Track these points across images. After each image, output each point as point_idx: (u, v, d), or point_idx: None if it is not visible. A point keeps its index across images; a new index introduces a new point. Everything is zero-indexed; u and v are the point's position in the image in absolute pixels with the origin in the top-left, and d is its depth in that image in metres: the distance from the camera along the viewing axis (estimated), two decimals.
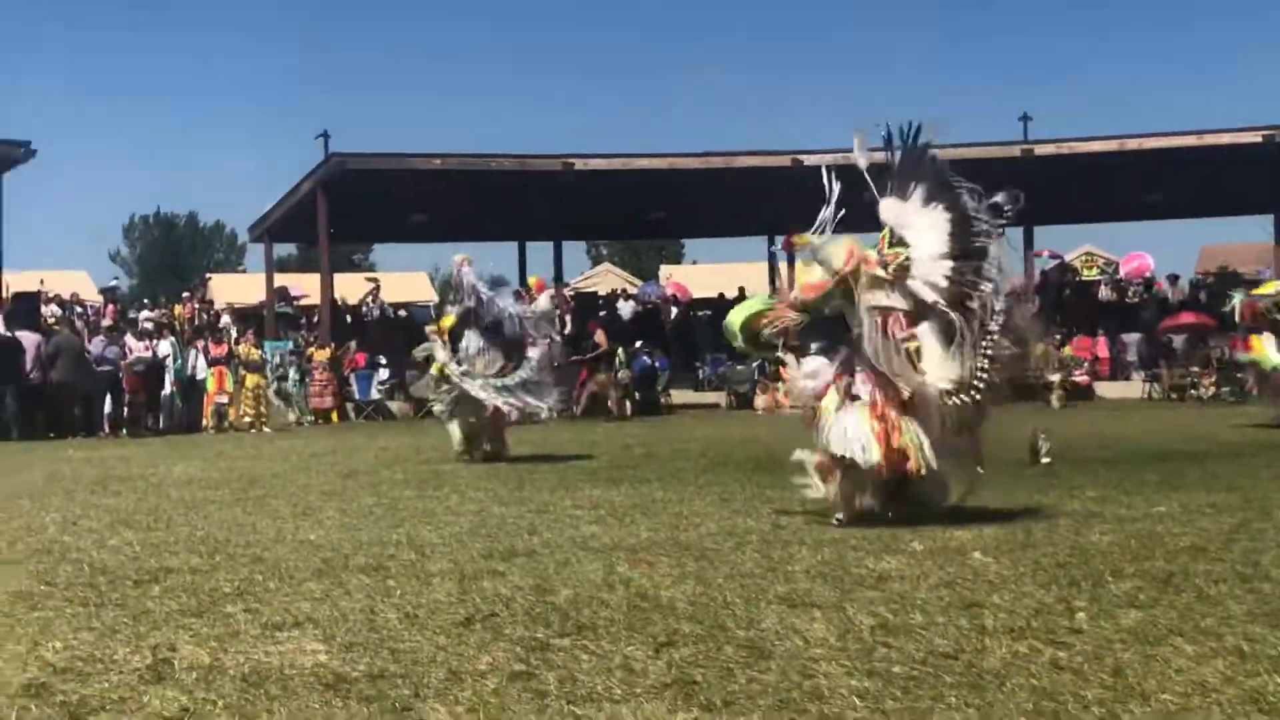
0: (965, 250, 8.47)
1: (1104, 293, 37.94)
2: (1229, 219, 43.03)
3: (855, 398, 8.24)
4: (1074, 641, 4.91)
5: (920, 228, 8.60)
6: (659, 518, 8.89)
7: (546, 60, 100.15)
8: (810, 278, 8.69)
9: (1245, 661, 4.54)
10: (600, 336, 28.51)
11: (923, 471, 8.10)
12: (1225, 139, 29.96)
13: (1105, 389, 30.19)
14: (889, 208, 8.72)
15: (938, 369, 8.22)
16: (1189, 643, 4.83)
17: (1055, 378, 28.31)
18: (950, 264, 8.43)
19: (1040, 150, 30.77)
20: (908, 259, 8.44)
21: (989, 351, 8.24)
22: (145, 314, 32.95)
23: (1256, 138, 29.28)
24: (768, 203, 30.45)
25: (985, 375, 8.21)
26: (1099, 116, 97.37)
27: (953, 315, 8.24)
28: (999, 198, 8.80)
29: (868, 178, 8.75)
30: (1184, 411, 24.01)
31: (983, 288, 8.35)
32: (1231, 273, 36.65)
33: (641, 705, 4.15)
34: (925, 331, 8.32)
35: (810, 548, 7.30)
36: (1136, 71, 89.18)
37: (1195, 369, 28.96)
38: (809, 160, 29.37)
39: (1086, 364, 30.29)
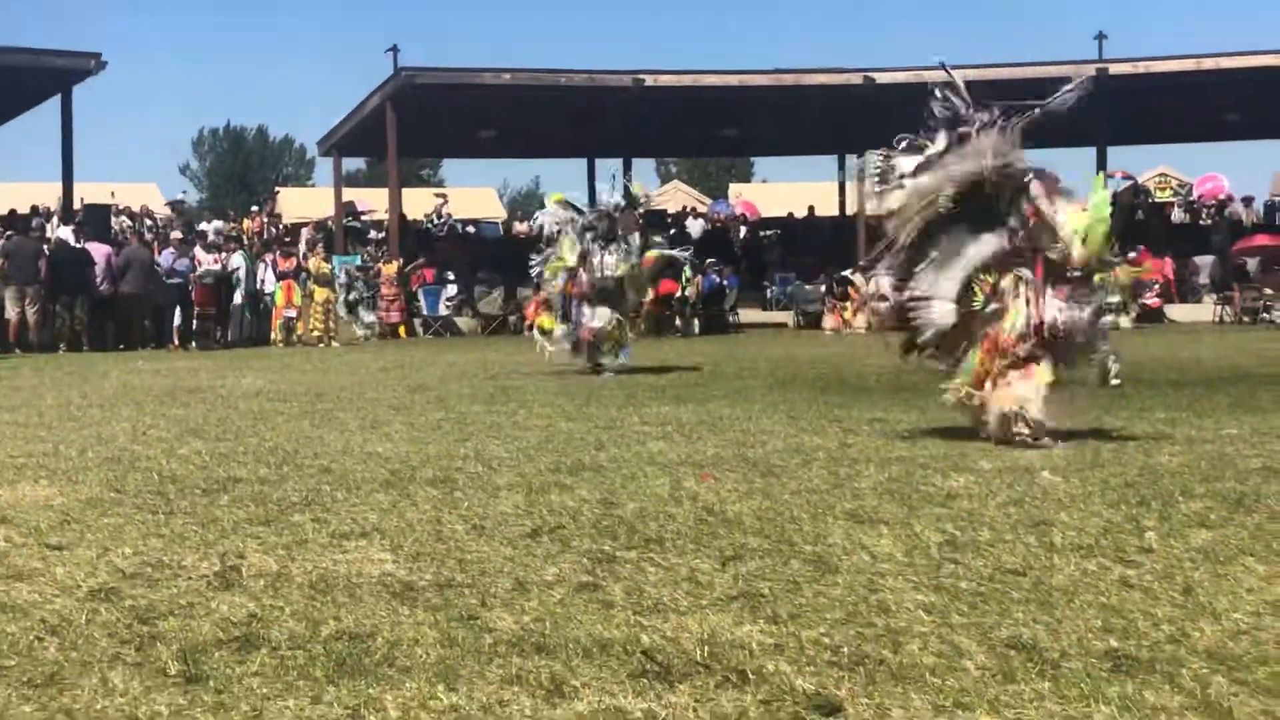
0: None
1: (1177, 214, 37.36)
2: None
3: None
4: (1143, 560, 4.86)
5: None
6: (726, 434, 8.89)
7: None
8: None
9: None
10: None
11: None
12: None
13: (1176, 312, 29.83)
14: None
15: None
16: (1260, 562, 4.77)
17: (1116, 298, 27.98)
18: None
19: (1115, 69, 30.22)
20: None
21: None
22: (214, 225, 33.18)
23: None
24: (839, 121, 30.20)
25: None
26: (1177, 34, 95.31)
27: None
28: None
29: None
30: (1256, 334, 23.70)
31: None
32: None
33: (708, 617, 4.15)
34: None
35: (878, 465, 7.28)
36: None
37: (1269, 291, 28.51)
38: (881, 79, 29.08)
39: (1158, 285, 29.90)
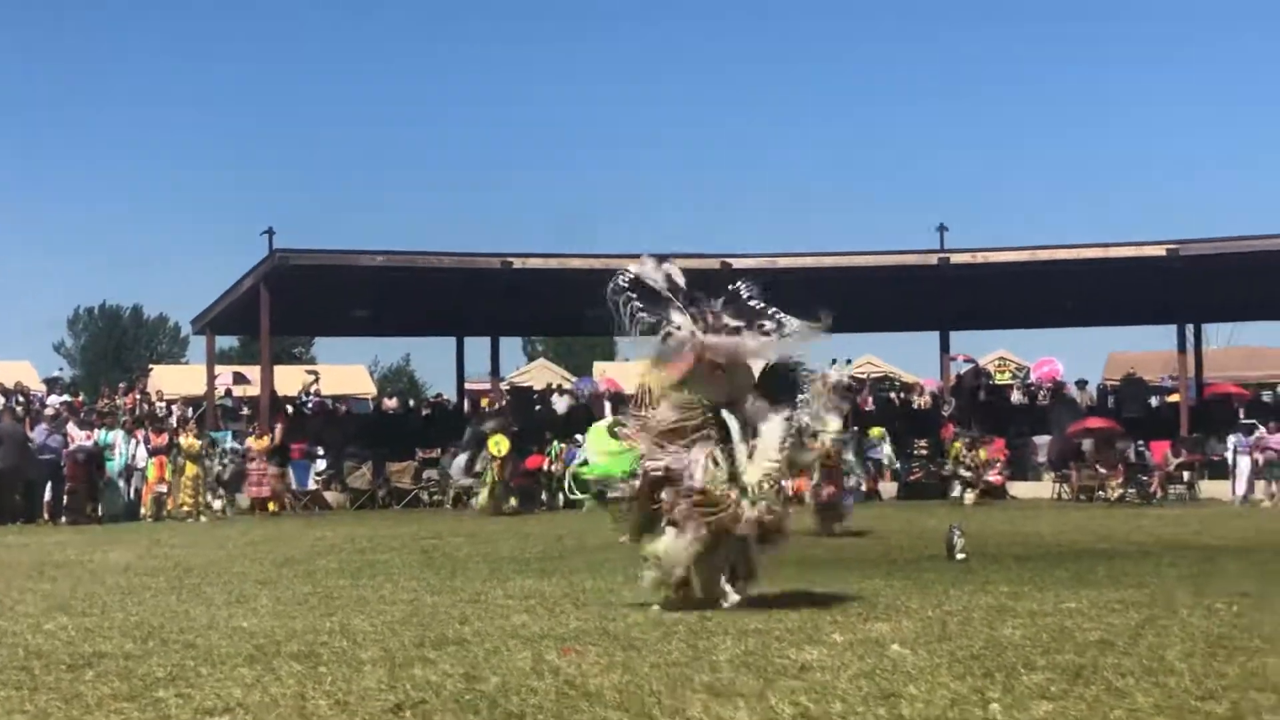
0: None
1: (1016, 396, 38.57)
2: (1136, 327, 44.00)
3: None
4: None
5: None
6: (588, 608, 9.02)
7: (486, 162, 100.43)
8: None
9: None
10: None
11: None
12: (1130, 251, 30.91)
13: (1017, 489, 30.66)
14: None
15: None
16: None
17: (969, 474, 28.87)
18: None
19: (956, 259, 31.52)
20: None
21: None
22: (55, 399, 32.74)
23: (1160, 251, 30.21)
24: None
25: None
26: (1013, 227, 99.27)
27: None
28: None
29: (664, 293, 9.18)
30: (1092, 511, 24.43)
31: None
32: (1138, 379, 37.45)
33: None
34: None
35: (735, 637, 7.44)
36: (1050, 184, 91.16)
37: (1103, 471, 29.49)
38: (736, 264, 29.93)
39: (1000, 464, 30.74)
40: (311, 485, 30.19)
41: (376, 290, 32.56)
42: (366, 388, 50.52)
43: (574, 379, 48.50)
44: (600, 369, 54.19)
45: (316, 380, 39.16)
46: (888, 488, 31.51)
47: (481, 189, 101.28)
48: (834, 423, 17.68)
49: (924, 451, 32.41)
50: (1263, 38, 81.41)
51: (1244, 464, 28.11)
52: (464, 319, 36.03)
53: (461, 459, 29.74)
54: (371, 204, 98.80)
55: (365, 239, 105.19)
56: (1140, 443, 30.77)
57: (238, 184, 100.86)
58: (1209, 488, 29.44)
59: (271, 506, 27.44)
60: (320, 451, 31.28)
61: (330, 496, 30.06)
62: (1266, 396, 37.49)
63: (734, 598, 8.92)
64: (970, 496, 28.23)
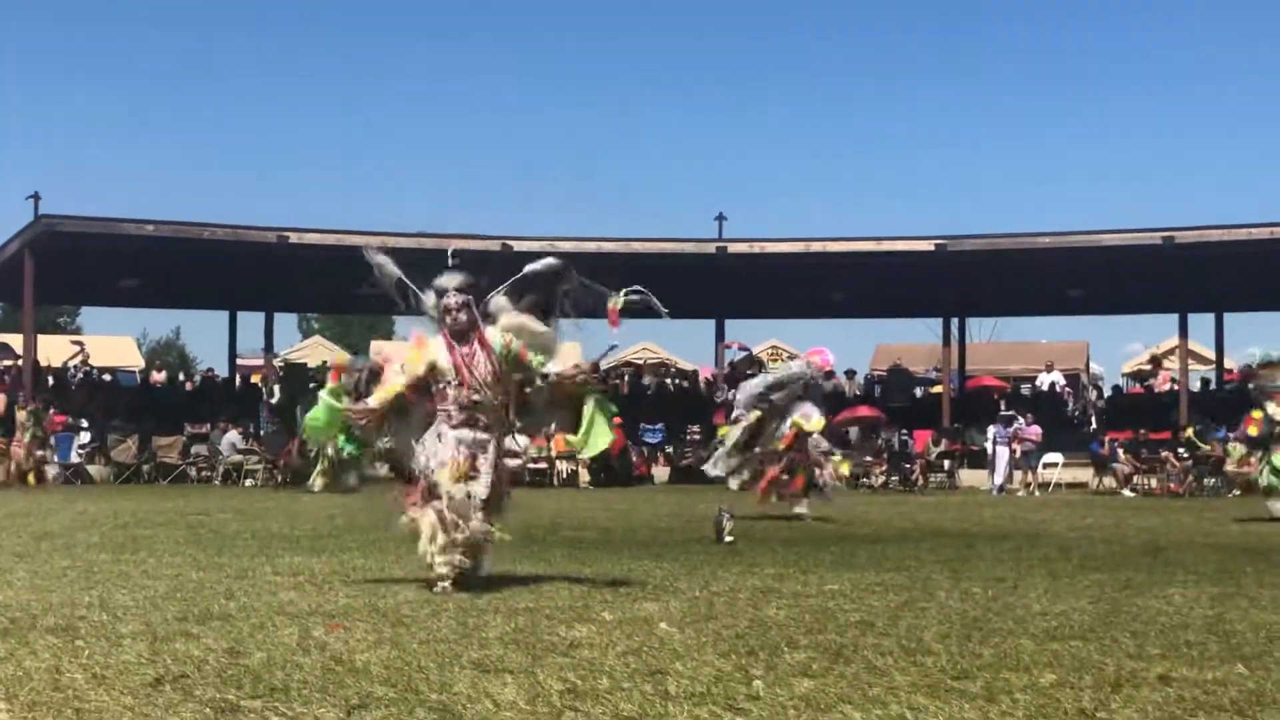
0: None
1: None
2: (903, 320, 45.39)
3: None
4: (751, 707, 5.16)
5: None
6: (358, 585, 8.91)
7: (264, 131, 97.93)
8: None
9: None
10: None
11: None
12: (901, 245, 31.89)
13: None
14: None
15: None
16: (857, 710, 5.13)
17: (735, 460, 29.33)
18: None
19: (733, 249, 32.06)
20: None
21: None
22: None
23: (929, 246, 31.25)
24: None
25: None
26: (790, 219, 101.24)
27: None
28: None
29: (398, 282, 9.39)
30: (857, 497, 25.10)
31: None
32: (903, 370, 38.67)
33: None
34: None
35: (505, 615, 7.45)
36: (827, 178, 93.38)
37: (868, 459, 30.34)
38: (518, 246, 29.94)
39: None
40: (74, 458, 29.33)
41: (147, 260, 31.69)
42: (134, 360, 49.11)
43: (350, 356, 47.91)
44: (377, 347, 53.56)
45: (83, 351, 37.94)
46: (660, 471, 31.92)
47: (262, 162, 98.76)
48: (816, 418, 17.83)
49: (697, 437, 32.92)
50: (1035, 35, 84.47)
51: (1002, 454, 29.26)
52: (238, 293, 35.28)
53: (234, 435, 29.19)
54: (147, 172, 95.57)
55: (141, 208, 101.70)
56: (904, 432, 31.80)
57: (2, 145, 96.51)
58: (968, 476, 30.59)
59: (31, 479, 26.51)
60: (84, 424, 30.39)
61: (94, 470, 29.24)
62: (1025, 389, 39.07)
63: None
64: (736, 482, 28.70)
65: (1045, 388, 37.32)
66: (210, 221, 31.37)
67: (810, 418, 17.76)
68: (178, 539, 12.93)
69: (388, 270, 9.37)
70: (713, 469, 18.21)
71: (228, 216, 41.28)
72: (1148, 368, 40.99)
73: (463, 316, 8.88)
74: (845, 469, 19.28)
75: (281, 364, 39.01)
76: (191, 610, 7.49)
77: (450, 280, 9.01)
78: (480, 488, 8.61)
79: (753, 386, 18.12)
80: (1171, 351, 39.06)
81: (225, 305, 36.67)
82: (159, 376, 40.83)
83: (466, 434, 8.70)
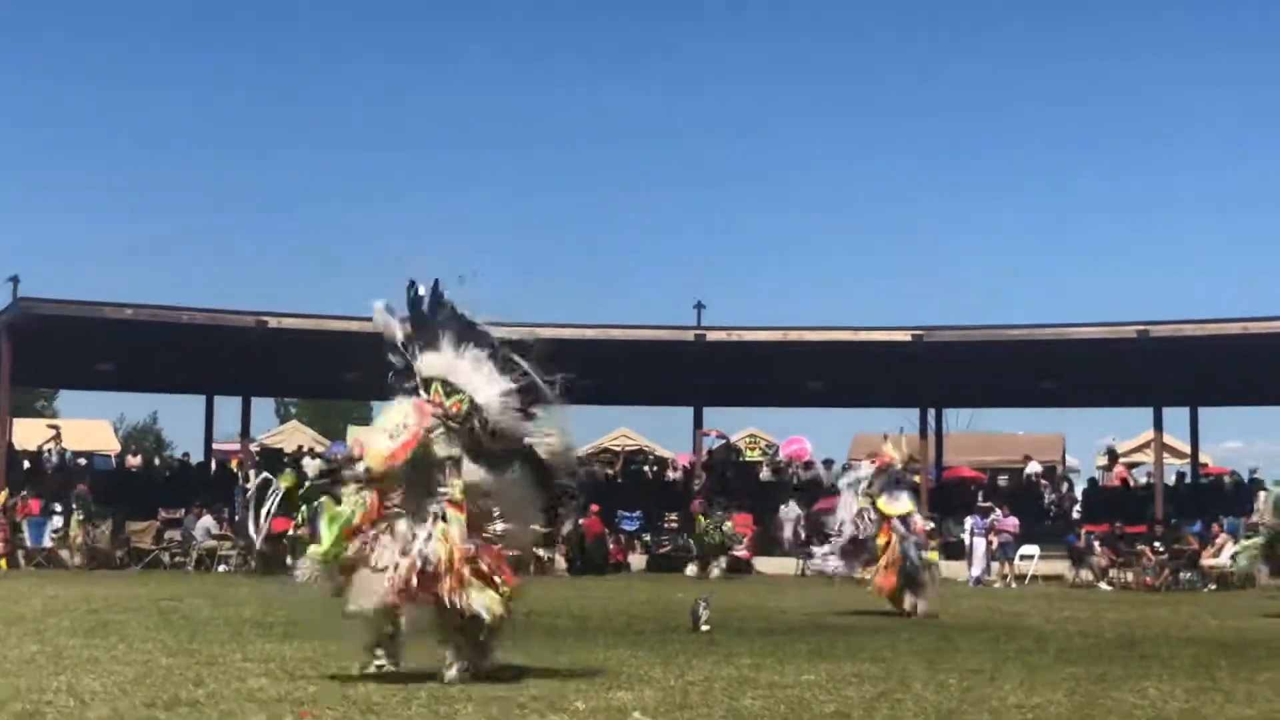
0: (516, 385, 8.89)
1: (765, 473, 39.41)
2: (880, 410, 45.54)
3: None
4: None
5: (468, 372, 8.94)
6: (330, 672, 8.81)
7: (239, 218, 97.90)
8: (382, 445, 8.84)
9: None
10: None
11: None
12: (878, 335, 32.03)
13: (763, 563, 31.23)
14: (431, 362, 9.01)
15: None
16: None
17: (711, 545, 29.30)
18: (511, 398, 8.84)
19: (712, 336, 32.17)
20: (471, 402, 8.80)
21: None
22: None
23: (906, 336, 31.40)
24: None
25: None
26: (769, 308, 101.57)
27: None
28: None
29: (399, 344, 9.12)
30: (835, 588, 24.98)
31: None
32: None
33: None
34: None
35: (477, 704, 7.39)
36: (806, 267, 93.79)
37: None
38: (494, 332, 30.14)
39: (746, 539, 31.30)
40: (47, 542, 29.06)
41: (124, 344, 31.64)
42: (110, 444, 48.87)
43: (328, 443, 47.79)
44: (354, 433, 53.45)
45: (58, 436, 37.82)
46: (637, 560, 31.78)
47: (239, 242, 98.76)
48: (904, 501, 17.53)
49: (674, 525, 32.83)
50: (1011, 126, 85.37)
51: (979, 545, 29.21)
52: (215, 377, 35.22)
53: (208, 520, 29.01)
54: (126, 254, 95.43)
55: (115, 291, 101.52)
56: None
57: None
58: (946, 567, 30.45)
59: (2, 564, 26.31)
60: (57, 508, 30.18)
61: (66, 555, 28.96)
62: (1002, 480, 39.09)
63: (450, 674, 8.50)
64: (693, 569, 28.63)
65: (1032, 475, 37.39)
66: (189, 305, 31.37)
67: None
68: (149, 624, 12.80)
69: (391, 330, 9.17)
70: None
71: (206, 301, 41.19)
72: (1104, 462, 41.00)
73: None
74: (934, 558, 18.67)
75: (258, 449, 38.82)
76: (160, 696, 7.41)
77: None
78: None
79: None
80: (1145, 446, 39.16)
81: (202, 389, 36.56)
82: (134, 460, 40.60)
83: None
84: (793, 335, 32.34)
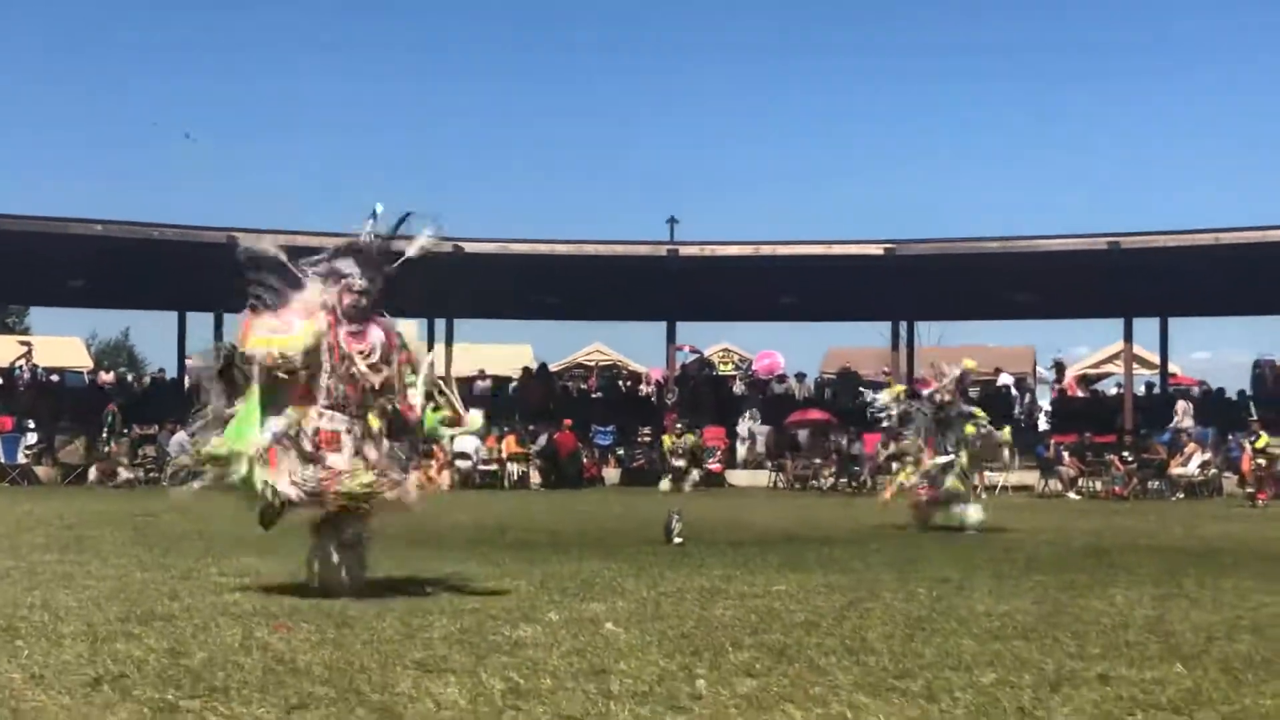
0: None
1: (738, 387, 39.54)
2: (853, 324, 45.62)
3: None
4: (693, 706, 5.18)
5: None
6: (304, 586, 8.82)
7: (218, 131, 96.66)
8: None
9: None
10: None
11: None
12: (851, 249, 32.02)
13: (735, 476, 31.44)
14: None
15: None
16: (798, 708, 5.16)
17: (681, 463, 29.48)
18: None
19: (685, 251, 32.15)
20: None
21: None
22: None
23: (878, 250, 31.40)
24: (431, 287, 30.68)
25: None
26: (742, 223, 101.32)
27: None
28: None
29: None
30: (806, 499, 25.22)
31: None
32: (853, 373, 38.86)
33: None
34: None
35: (451, 616, 7.44)
36: (779, 181, 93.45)
37: (817, 461, 30.51)
38: (470, 248, 29.99)
39: (719, 452, 31.48)
40: (21, 459, 29.14)
41: (95, 261, 31.43)
42: (82, 361, 48.68)
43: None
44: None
45: (29, 352, 37.66)
46: (611, 474, 31.95)
47: (208, 163, 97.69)
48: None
49: (647, 439, 32.99)
50: (984, 37, 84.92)
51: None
52: (187, 294, 35.04)
53: (182, 436, 28.94)
54: (97, 171, 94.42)
55: (85, 206, 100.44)
56: (853, 434, 31.95)
57: None
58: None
59: None
60: (31, 425, 30.24)
61: (40, 471, 29.08)
62: (973, 393, 39.29)
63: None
64: (665, 484, 28.79)
65: (1003, 388, 37.60)
66: (159, 222, 31.15)
67: None
68: (123, 540, 12.82)
69: (267, 255, 9.20)
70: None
71: (178, 217, 40.79)
72: (1052, 376, 41.14)
73: (364, 301, 8.73)
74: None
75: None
76: (134, 611, 7.43)
77: (353, 268, 8.87)
78: (340, 461, 8.31)
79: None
80: (1115, 357, 39.36)
81: (175, 306, 36.41)
82: (107, 377, 40.49)
83: (337, 416, 8.43)
84: (765, 250, 32.33)
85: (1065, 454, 29.37)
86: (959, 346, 50.81)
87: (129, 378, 42.32)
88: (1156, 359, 37.92)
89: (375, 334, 8.67)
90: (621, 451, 33.22)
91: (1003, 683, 5.70)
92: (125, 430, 30.04)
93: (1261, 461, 25.62)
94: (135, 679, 5.48)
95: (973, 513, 16.29)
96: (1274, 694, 5.52)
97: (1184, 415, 30.99)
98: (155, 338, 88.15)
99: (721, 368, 44.19)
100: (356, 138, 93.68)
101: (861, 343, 45.05)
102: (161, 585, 8.83)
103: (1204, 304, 36.20)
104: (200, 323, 36.60)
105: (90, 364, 48.98)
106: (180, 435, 29.43)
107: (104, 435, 29.31)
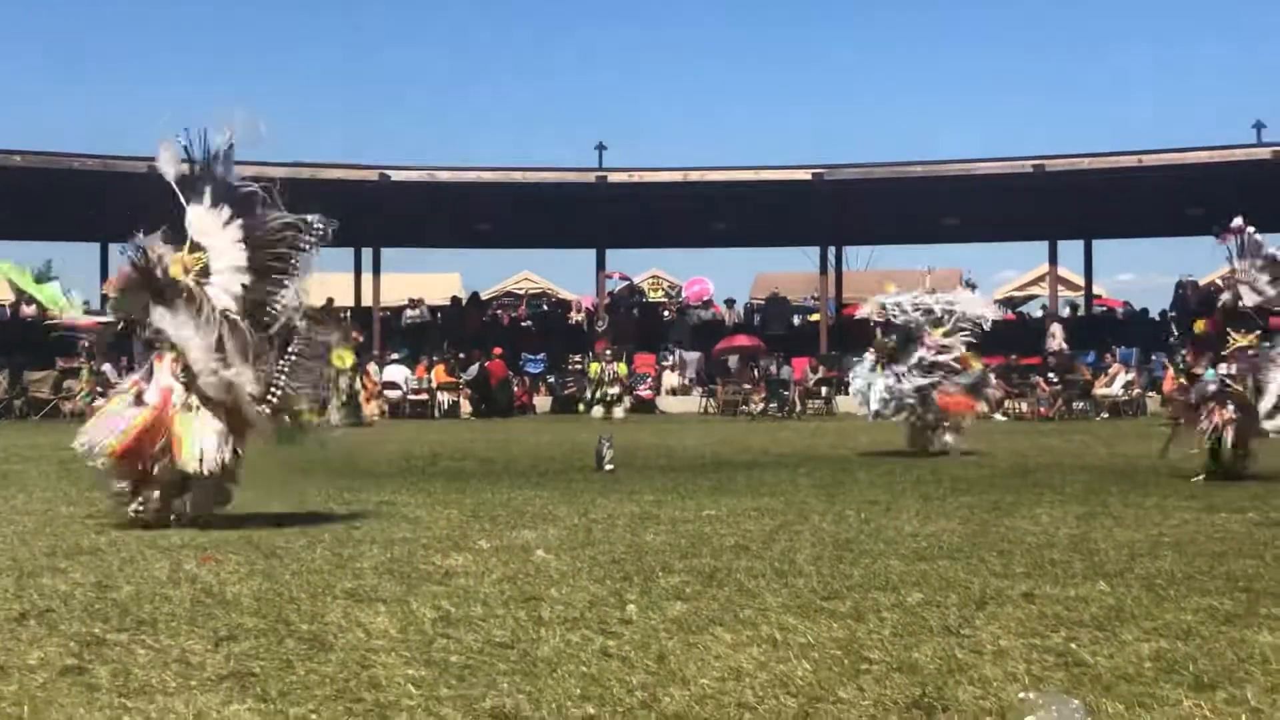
0: (262, 266, 8.71)
1: (667, 314, 39.58)
2: (781, 249, 45.68)
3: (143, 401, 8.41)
4: (623, 631, 5.20)
5: (219, 237, 8.88)
6: (232, 518, 8.78)
7: (136, 51, 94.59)
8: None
9: (777, 649, 4.91)
10: None
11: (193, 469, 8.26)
12: (779, 175, 32.03)
13: (665, 403, 31.55)
14: (192, 216, 9.06)
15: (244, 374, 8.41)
16: (728, 631, 5.19)
17: (617, 390, 29.49)
18: (246, 278, 8.67)
19: (614, 178, 31.99)
20: (206, 264, 8.76)
21: (285, 370, 8.50)
22: None
23: (806, 175, 31.43)
24: (352, 217, 30.37)
25: (280, 392, 8.45)
26: (671, 150, 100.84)
27: (243, 325, 8.49)
28: (311, 216, 8.86)
29: (175, 187, 9.16)
30: (736, 425, 25.33)
31: (279, 305, 8.63)
32: (782, 298, 38.98)
33: (195, 697, 4.17)
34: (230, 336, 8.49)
35: (381, 545, 7.43)
36: (708, 108, 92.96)
37: (746, 386, 30.65)
38: (396, 175, 29.63)
39: (650, 379, 31.56)
40: None
41: (14, 192, 30.84)
42: (3, 294, 47.83)
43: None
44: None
45: None
46: (541, 402, 31.94)
47: (127, 91, 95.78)
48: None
49: (578, 367, 32.98)
50: None
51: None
52: (109, 224, 34.50)
53: (106, 368, 28.57)
54: (12, 99, 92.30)
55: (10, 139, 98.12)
56: (782, 359, 32.13)
57: None
58: (845, 403, 30.93)
59: None
60: None
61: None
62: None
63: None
64: (599, 410, 28.81)
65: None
66: (80, 152, 30.57)
67: None
68: (49, 474, 12.63)
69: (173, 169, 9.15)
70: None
71: (100, 147, 40.05)
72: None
73: None
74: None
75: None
76: (61, 545, 7.37)
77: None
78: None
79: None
80: (1040, 279, 39.74)
81: (97, 237, 35.84)
82: (29, 310, 39.78)
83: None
84: (694, 175, 32.29)
85: (991, 376, 29.64)
86: (887, 270, 51.28)
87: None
88: (1082, 281, 38.34)
89: None
90: (552, 379, 33.22)
91: (929, 602, 5.77)
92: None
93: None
94: (62, 613, 5.43)
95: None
96: (1195, 609, 5.62)
97: (1058, 338, 31.36)
98: (78, 269, 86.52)
99: (652, 294, 44.18)
100: (276, 59, 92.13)
101: (791, 268, 45.21)
102: (87, 520, 8.75)
103: (1128, 226, 36.57)
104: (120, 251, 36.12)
105: (12, 297, 48.14)
106: (104, 367, 29.12)
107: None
